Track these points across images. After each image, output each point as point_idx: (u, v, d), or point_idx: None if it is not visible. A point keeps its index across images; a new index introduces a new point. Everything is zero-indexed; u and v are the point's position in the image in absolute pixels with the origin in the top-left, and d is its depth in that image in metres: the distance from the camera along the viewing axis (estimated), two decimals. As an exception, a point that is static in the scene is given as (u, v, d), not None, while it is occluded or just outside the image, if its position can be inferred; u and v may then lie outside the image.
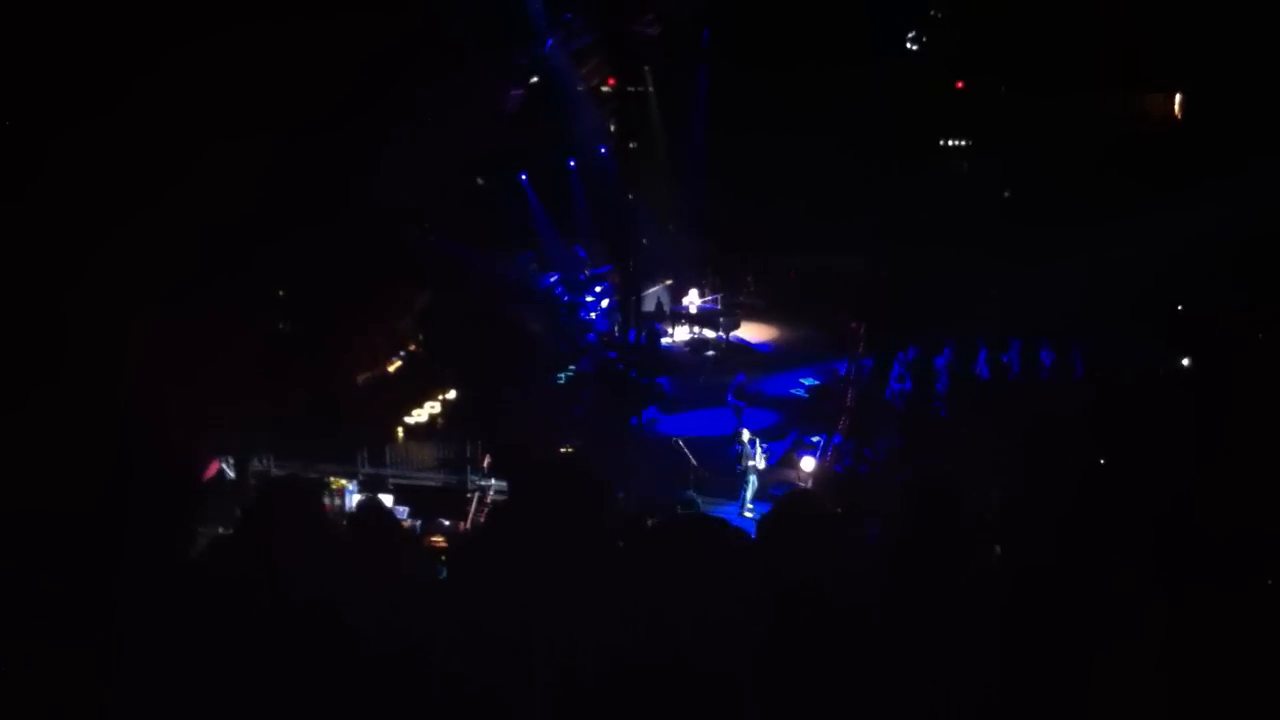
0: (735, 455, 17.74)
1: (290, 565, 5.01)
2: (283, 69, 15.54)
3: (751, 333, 26.71)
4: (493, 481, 16.59)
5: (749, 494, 17.39)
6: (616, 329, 23.99)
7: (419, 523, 15.19)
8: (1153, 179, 22.20)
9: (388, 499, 15.40)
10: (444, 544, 14.04)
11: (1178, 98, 25.71)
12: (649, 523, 13.90)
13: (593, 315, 26.27)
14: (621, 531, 6.18)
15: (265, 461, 16.57)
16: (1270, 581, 5.99)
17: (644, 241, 25.84)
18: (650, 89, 27.94)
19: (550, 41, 24.89)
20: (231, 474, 15.85)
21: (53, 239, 12.47)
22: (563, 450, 17.48)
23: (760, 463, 17.59)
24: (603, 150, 27.61)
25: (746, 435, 17.86)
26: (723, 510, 16.33)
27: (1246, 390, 15.32)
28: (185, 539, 5.81)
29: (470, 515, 15.94)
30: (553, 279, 26.40)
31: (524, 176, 26.16)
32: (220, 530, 10.84)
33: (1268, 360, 16.16)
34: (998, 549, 6.46)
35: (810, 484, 17.81)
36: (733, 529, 5.35)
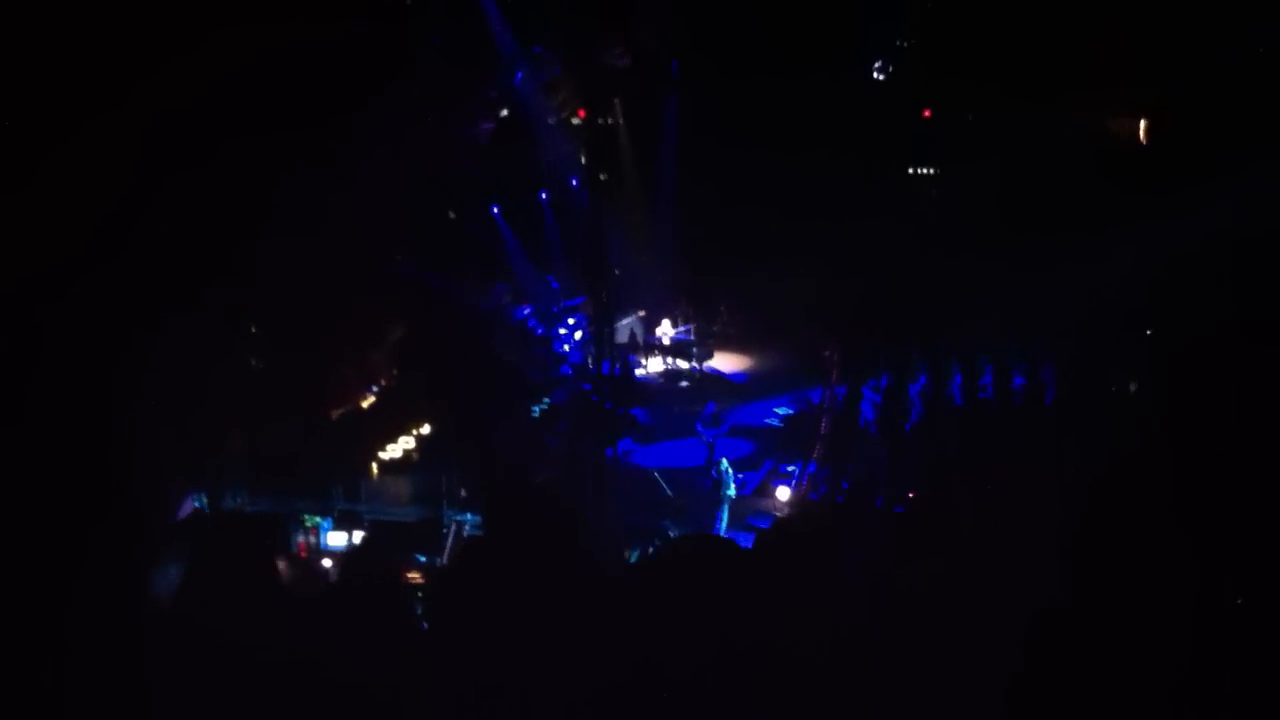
0: (712, 483, 17.72)
1: (244, 605, 4.97)
2: (256, 102, 15.53)
3: (725, 362, 26.73)
4: (468, 515, 16.49)
5: (724, 524, 17.37)
6: (590, 360, 23.96)
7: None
8: (1120, 200, 22.38)
9: (360, 535, 15.32)
10: (420, 580, 13.92)
11: (1143, 122, 25.99)
12: (631, 556, 13.91)
13: (567, 347, 26.25)
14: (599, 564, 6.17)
15: (239, 498, 16.41)
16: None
17: (616, 272, 25.87)
18: (620, 120, 28.02)
19: (520, 74, 24.97)
20: (207, 512, 15.69)
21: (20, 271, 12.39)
22: (540, 481, 17.44)
23: (732, 491, 17.59)
24: (574, 182, 27.66)
25: (725, 463, 17.85)
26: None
27: (1210, 411, 15.44)
28: (149, 575, 5.76)
29: (447, 550, 15.82)
30: (526, 311, 26.38)
31: (496, 209, 26.18)
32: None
33: (1234, 381, 16.27)
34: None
35: (786, 512, 17.82)
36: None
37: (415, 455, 19.86)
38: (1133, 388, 20.45)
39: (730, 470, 17.73)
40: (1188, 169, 20.83)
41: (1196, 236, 19.43)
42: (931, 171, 29.07)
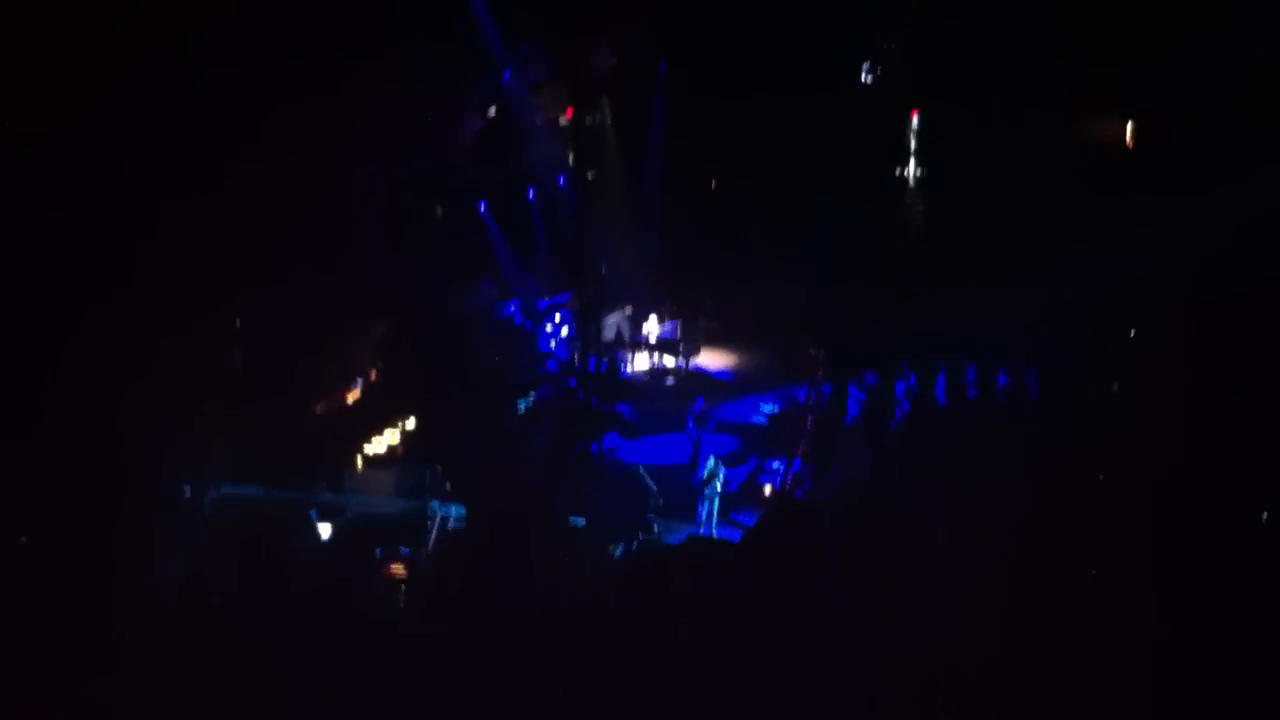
0: (702, 478, 17.74)
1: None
2: (246, 101, 15.55)
3: (711, 359, 26.80)
4: (452, 509, 16.52)
5: (715, 517, 17.43)
6: (576, 357, 23.99)
7: (379, 550, 15.05)
8: (1106, 204, 22.47)
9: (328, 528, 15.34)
10: (403, 574, 13.95)
11: (1129, 125, 26.06)
12: (616, 551, 14.01)
13: (552, 343, 26.29)
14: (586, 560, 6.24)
15: (222, 490, 16.38)
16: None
17: (602, 269, 25.92)
18: (608, 120, 28.08)
19: (507, 73, 25.00)
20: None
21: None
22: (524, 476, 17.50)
23: (718, 486, 17.66)
24: (561, 180, 27.69)
25: (713, 460, 17.89)
26: (681, 534, 16.43)
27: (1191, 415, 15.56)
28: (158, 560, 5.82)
29: (430, 542, 15.85)
30: (512, 307, 26.41)
31: (483, 207, 26.21)
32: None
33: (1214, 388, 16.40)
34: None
35: (769, 507, 17.88)
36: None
37: (400, 449, 19.90)
38: (1115, 388, 20.55)
39: (719, 465, 17.78)
40: (1177, 173, 20.94)
41: (1183, 241, 19.57)
42: (920, 173, 29.15)
